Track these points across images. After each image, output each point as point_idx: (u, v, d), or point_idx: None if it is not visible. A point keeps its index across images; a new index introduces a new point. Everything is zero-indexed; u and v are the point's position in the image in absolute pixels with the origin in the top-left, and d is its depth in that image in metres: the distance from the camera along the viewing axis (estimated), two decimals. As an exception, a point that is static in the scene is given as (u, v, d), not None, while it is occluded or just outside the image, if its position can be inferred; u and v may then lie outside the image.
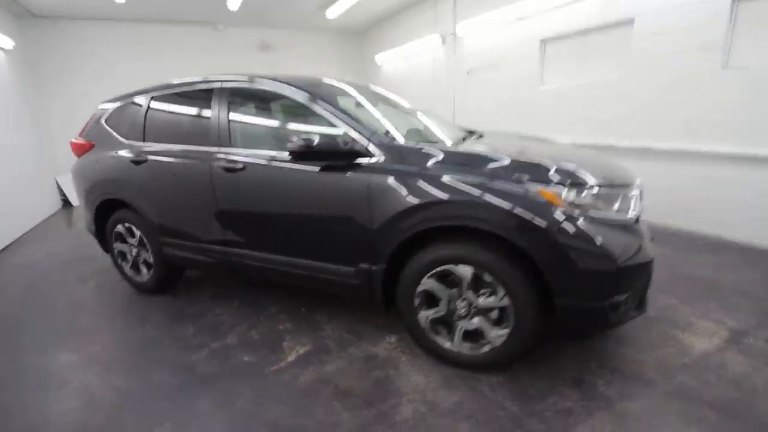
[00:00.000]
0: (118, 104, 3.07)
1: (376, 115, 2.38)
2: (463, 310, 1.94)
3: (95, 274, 3.62)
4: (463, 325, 1.96)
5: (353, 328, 2.48)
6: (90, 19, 6.97)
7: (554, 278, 1.68)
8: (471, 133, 2.79)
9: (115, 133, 3.00)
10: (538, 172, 1.77)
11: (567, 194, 1.71)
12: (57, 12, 6.54)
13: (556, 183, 1.74)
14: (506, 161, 1.84)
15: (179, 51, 7.73)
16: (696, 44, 3.59)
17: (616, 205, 1.81)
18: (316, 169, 2.11)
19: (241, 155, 2.36)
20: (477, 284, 1.88)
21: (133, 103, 2.98)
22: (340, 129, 2.12)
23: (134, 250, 3.02)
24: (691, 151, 3.79)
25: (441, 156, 1.93)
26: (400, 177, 1.92)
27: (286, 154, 2.19)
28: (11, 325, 2.77)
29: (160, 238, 2.82)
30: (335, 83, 2.58)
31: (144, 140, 2.83)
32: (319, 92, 2.27)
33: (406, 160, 1.96)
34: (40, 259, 4.17)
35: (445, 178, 1.83)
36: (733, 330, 2.28)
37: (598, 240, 1.66)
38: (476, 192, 1.75)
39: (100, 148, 3.05)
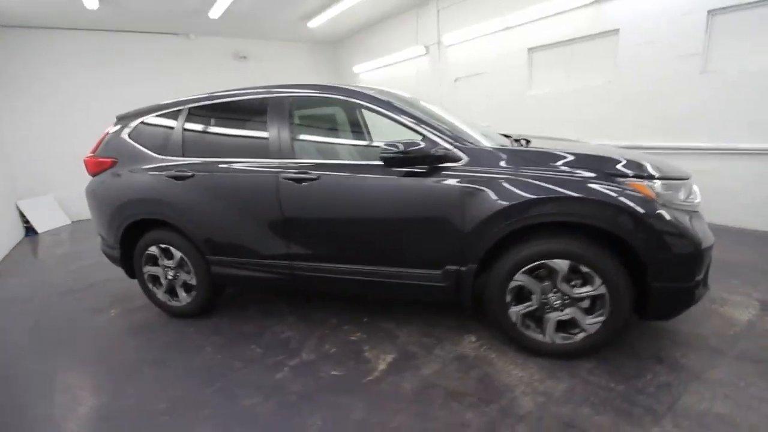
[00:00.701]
0: (143, 118, 2.87)
1: (445, 120, 2.43)
2: (557, 302, 2.05)
3: (109, 303, 3.32)
4: (554, 317, 2.06)
5: (427, 331, 2.50)
6: (51, 28, 6.40)
7: (652, 263, 1.84)
8: (507, 137, 2.93)
9: (143, 149, 2.81)
10: (621, 167, 1.94)
11: (652, 186, 1.89)
12: (13, 21, 5.93)
13: (634, 176, 1.91)
14: (588, 158, 1.99)
15: (148, 60, 7.32)
16: (677, 52, 4.06)
17: (682, 195, 2.02)
18: (397, 175, 2.14)
19: (312, 165, 2.32)
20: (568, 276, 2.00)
21: (165, 115, 2.81)
22: (419, 135, 2.17)
23: (171, 273, 2.82)
24: (676, 147, 4.25)
25: (530, 156, 2.04)
26: (495, 178, 2.00)
27: (364, 162, 2.21)
28: (48, 373, 2.47)
29: (209, 257, 2.66)
30: (393, 91, 2.62)
31: (183, 155, 2.68)
32: (388, 99, 2.31)
33: (495, 161, 2.05)
34: (30, 295, 3.73)
35: (543, 177, 1.94)
36: (763, 301, 2.60)
37: (685, 226, 1.85)
38: (577, 189, 1.88)
39: (124, 165, 2.82)
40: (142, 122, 2.87)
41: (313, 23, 7.15)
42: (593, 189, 1.87)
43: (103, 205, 2.92)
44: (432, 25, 6.75)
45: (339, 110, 2.51)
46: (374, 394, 1.97)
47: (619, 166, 1.95)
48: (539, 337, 2.12)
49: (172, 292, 2.90)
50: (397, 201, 2.17)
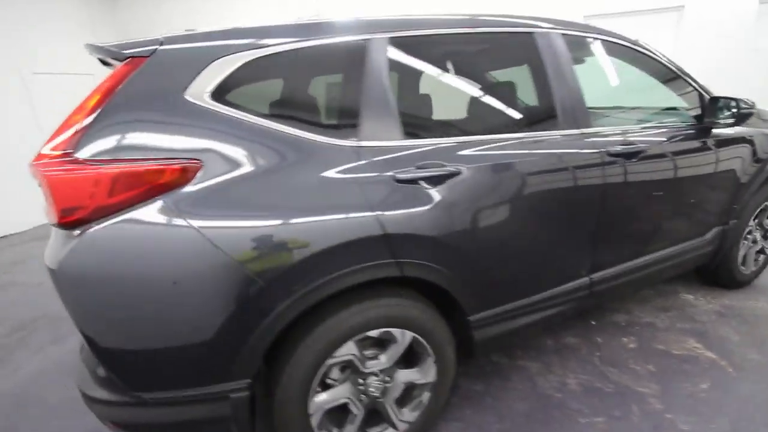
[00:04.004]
0: (250, 54, 1.15)
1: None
2: (759, 235, 2.41)
3: None
4: (753, 250, 2.42)
5: (655, 306, 2.36)
6: None
7: None
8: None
9: (290, 129, 1.16)
10: None
11: None
12: None
13: None
14: None
15: None
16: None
17: None
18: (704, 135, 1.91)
19: (640, 134, 1.73)
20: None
21: (320, 52, 1.24)
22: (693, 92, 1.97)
23: (377, 384, 1.35)
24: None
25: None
26: (758, 132, 2.11)
27: (682, 123, 1.86)
28: None
29: (475, 317, 1.46)
30: None
31: (403, 135, 1.29)
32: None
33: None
34: None
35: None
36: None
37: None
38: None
39: (221, 172, 1.06)
40: (255, 64, 1.15)
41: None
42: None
43: (184, 291, 1.00)
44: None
45: (637, 64, 1.91)
46: (770, 380, 1.75)
47: None
48: (744, 270, 2.43)
49: (371, 420, 1.41)
50: (707, 165, 1.94)
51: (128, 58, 1.07)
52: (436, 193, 1.27)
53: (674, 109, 1.98)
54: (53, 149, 0.99)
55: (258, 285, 1.06)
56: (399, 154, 1.26)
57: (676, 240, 2.00)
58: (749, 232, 2.33)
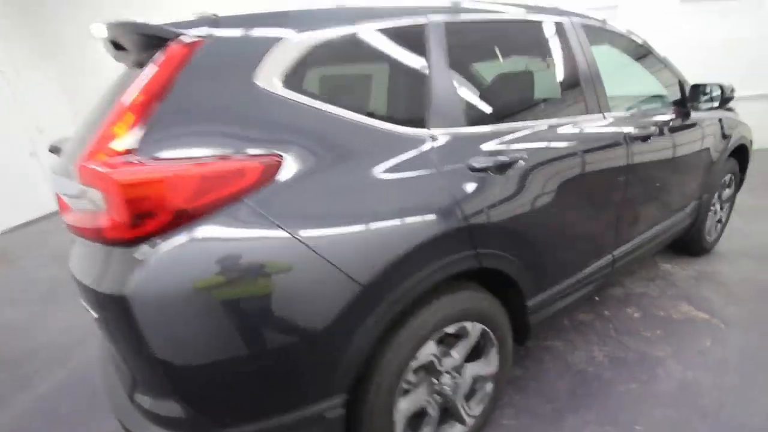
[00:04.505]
0: (318, 39, 1.03)
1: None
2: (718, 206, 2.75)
3: None
4: (715, 218, 2.76)
5: (640, 277, 2.58)
6: None
7: None
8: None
9: (362, 117, 1.07)
10: None
11: None
12: None
13: None
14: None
15: None
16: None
17: None
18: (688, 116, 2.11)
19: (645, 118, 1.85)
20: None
21: (394, 36, 1.16)
22: (671, 77, 2.17)
23: (449, 381, 1.31)
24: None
25: None
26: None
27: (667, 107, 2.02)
28: None
29: (532, 301, 1.48)
30: None
31: (465, 121, 1.26)
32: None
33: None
34: None
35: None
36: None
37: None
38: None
39: (305, 166, 0.95)
40: (320, 49, 1.03)
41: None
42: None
43: (282, 302, 0.88)
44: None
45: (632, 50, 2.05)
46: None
47: None
48: (709, 238, 2.76)
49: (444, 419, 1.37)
50: (690, 145, 2.15)
51: (179, 39, 0.91)
52: (505, 181, 1.26)
53: (660, 96, 2.17)
54: (110, 147, 0.81)
55: (357, 287, 0.96)
56: (470, 142, 1.23)
57: (668, 214, 2.21)
58: (713, 204, 2.65)
